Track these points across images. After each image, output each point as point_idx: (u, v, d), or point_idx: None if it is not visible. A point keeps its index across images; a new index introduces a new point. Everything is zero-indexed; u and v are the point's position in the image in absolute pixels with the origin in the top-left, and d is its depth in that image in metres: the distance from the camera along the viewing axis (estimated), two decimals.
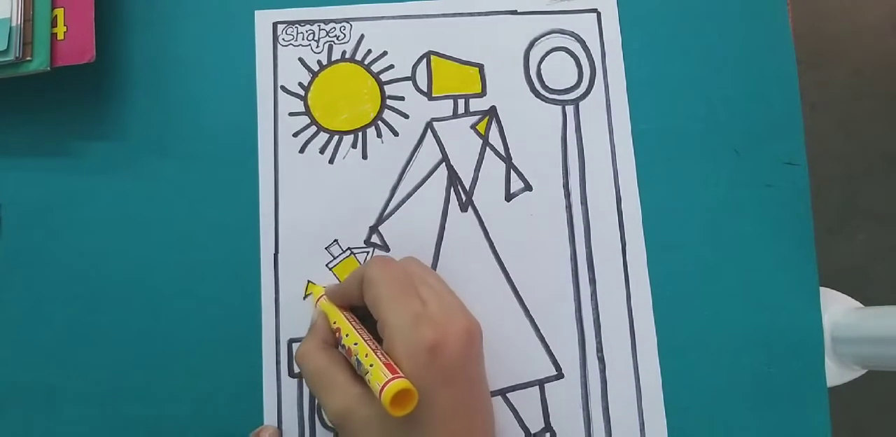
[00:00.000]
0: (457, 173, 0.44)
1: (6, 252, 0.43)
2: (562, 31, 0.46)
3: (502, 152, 0.44)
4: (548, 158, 0.44)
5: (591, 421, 0.42)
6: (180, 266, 0.43)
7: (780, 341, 0.43)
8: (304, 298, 0.43)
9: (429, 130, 0.45)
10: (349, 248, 0.43)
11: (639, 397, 0.42)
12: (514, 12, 0.46)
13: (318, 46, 0.45)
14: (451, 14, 0.46)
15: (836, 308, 0.44)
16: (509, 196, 0.44)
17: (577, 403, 0.42)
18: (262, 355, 0.42)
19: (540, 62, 0.45)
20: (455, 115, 0.45)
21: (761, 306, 0.43)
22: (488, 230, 0.44)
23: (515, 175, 0.44)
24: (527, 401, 0.42)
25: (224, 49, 0.45)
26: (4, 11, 0.41)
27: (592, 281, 0.43)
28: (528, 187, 0.44)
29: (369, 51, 0.45)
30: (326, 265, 0.43)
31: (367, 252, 0.43)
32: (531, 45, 0.46)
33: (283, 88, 0.45)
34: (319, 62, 0.45)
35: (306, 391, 0.42)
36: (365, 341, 0.35)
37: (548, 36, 0.46)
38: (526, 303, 0.43)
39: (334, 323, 0.38)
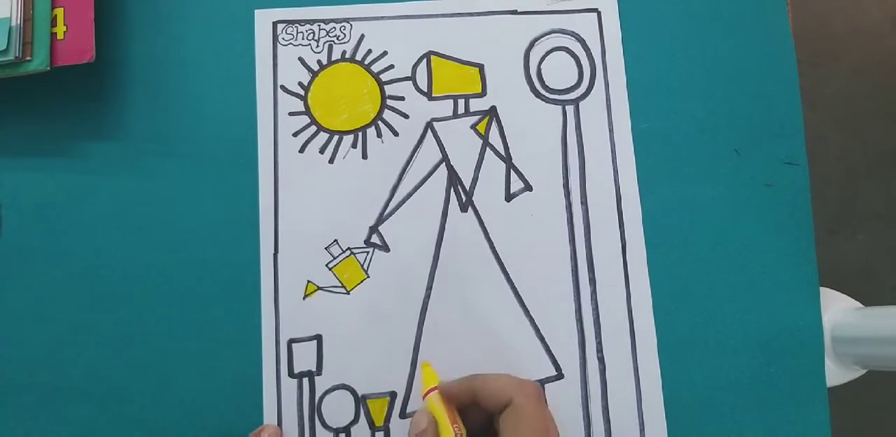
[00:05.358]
0: (457, 173, 0.44)
1: (6, 252, 0.43)
2: (562, 31, 0.46)
3: (502, 152, 0.44)
4: (548, 158, 0.44)
5: (591, 421, 0.42)
6: (180, 266, 0.43)
7: (780, 341, 0.43)
8: (304, 298, 0.43)
9: (429, 130, 0.45)
10: (349, 248, 0.43)
11: (639, 397, 0.42)
12: (514, 12, 0.46)
13: (318, 46, 0.45)
14: (451, 14, 0.46)
15: (836, 308, 0.44)
16: (509, 196, 0.44)
17: (577, 403, 0.42)
18: (262, 355, 0.42)
19: (540, 62, 0.45)
20: (455, 115, 0.45)
21: (761, 306, 0.43)
22: (488, 230, 0.44)
23: (515, 175, 0.44)
24: None
25: (224, 49, 0.45)
26: (4, 11, 0.41)
27: (592, 281, 0.43)
28: (528, 187, 0.44)
29: (369, 51, 0.45)
30: (326, 265, 0.43)
31: (367, 252, 0.43)
32: (531, 45, 0.46)
33: (283, 87, 0.45)
34: (319, 62, 0.45)
35: (306, 390, 0.42)
36: None
37: (548, 36, 0.46)
38: (526, 303, 0.43)
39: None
